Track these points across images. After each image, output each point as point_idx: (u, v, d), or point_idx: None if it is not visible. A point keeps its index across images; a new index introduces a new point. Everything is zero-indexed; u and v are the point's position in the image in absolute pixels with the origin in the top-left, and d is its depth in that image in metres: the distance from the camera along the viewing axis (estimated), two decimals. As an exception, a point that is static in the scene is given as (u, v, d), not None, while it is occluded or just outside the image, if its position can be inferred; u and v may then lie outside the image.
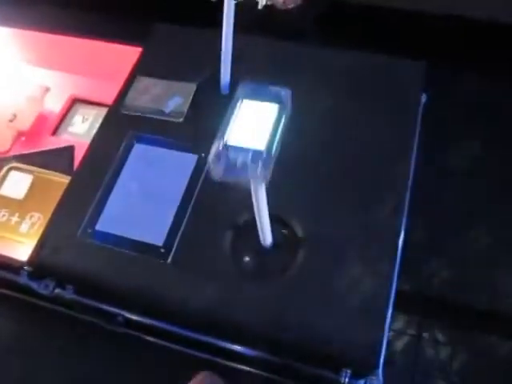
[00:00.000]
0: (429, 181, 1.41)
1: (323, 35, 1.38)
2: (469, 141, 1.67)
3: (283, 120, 0.63)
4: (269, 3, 0.91)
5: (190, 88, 1.09)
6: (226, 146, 0.61)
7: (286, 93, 0.64)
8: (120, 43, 1.35)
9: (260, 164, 0.59)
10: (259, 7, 0.89)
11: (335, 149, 0.99)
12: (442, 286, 1.34)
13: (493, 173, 1.59)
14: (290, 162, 0.83)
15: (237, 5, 0.94)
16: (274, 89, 0.65)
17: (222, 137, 0.61)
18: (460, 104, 1.77)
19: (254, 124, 0.63)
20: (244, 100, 0.65)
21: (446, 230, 1.45)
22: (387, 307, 0.83)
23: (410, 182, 0.97)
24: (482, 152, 1.68)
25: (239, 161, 0.59)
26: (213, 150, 0.61)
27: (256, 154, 0.60)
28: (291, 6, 1.15)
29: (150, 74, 1.13)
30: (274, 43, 1.18)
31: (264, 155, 0.60)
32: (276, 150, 0.61)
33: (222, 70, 1.04)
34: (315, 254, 0.87)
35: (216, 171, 0.61)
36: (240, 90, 0.65)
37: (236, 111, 0.64)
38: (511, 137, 1.69)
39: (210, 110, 1.06)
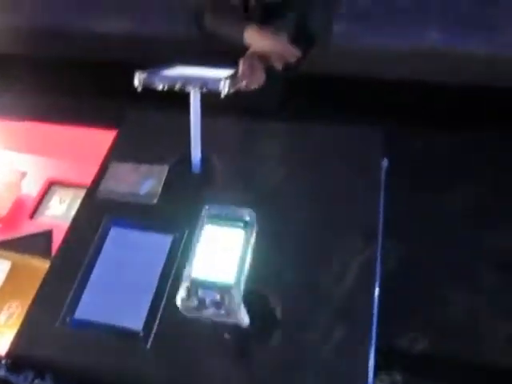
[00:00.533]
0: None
1: (288, 110, 1.48)
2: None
3: (250, 244, 0.65)
4: (231, 91, 0.98)
5: (163, 170, 1.15)
6: (195, 283, 0.62)
7: (250, 215, 0.66)
8: (95, 127, 1.41)
9: (229, 299, 0.60)
10: (222, 96, 0.96)
11: (305, 223, 1.04)
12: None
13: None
14: (263, 237, 0.87)
15: (202, 94, 1.01)
16: (239, 211, 0.66)
17: (191, 273, 0.63)
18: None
19: (221, 253, 0.64)
20: (209, 226, 0.66)
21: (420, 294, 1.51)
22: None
23: (378, 254, 1.03)
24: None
25: (208, 298, 0.60)
26: (182, 288, 0.62)
27: (225, 288, 0.61)
28: (254, 87, 1.23)
29: (123, 159, 1.19)
30: (240, 121, 1.26)
31: (233, 289, 0.61)
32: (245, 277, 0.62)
33: (192, 151, 1.10)
34: (292, 333, 0.90)
35: (187, 308, 0.62)
36: (204, 215, 0.66)
37: (202, 240, 0.66)
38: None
39: (182, 190, 1.11)
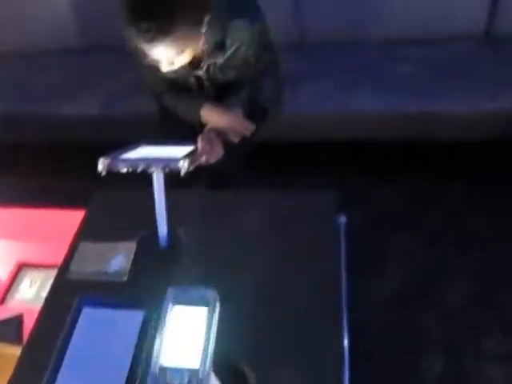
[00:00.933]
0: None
1: (248, 179, 1.57)
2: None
3: (215, 323, 0.68)
4: (191, 168, 1.05)
5: (131, 246, 1.19)
6: (162, 369, 0.65)
7: (213, 294, 0.70)
8: (63, 208, 1.46)
9: (198, 381, 0.64)
10: (182, 174, 1.03)
11: (267, 293, 1.08)
12: None
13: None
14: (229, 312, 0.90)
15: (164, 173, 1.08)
16: (201, 291, 0.70)
17: (157, 359, 0.66)
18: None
19: (186, 335, 0.68)
20: (173, 307, 0.70)
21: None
22: None
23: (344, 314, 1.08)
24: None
25: (177, 382, 0.64)
26: (150, 376, 0.65)
27: (192, 373, 0.64)
28: (213, 161, 1.32)
29: (92, 238, 1.23)
30: (204, 193, 1.33)
31: (200, 373, 0.64)
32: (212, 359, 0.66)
33: (159, 227, 1.15)
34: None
35: None
36: (168, 297, 0.70)
37: (167, 323, 0.69)
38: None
39: (150, 266, 1.16)
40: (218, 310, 0.69)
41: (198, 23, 1.17)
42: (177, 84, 1.44)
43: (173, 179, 1.07)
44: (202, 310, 0.69)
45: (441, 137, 2.00)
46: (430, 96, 1.93)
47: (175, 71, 1.27)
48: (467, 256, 1.85)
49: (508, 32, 2.13)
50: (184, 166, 1.02)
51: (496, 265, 1.82)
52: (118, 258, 1.16)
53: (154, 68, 1.24)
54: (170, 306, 0.69)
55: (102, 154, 1.07)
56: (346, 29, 2.20)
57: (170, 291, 0.70)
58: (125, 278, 1.13)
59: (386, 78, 2.01)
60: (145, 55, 1.17)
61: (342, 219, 1.38)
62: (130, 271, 1.15)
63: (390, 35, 2.18)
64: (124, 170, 1.04)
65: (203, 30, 1.19)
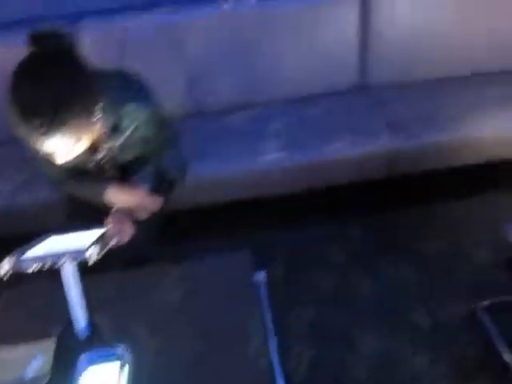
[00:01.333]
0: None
1: (162, 250, 1.59)
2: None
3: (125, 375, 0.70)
4: (103, 253, 1.05)
5: (50, 344, 1.13)
6: None
7: (124, 351, 0.72)
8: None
9: None
10: (90, 264, 1.02)
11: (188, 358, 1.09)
12: None
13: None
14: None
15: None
16: (113, 349, 0.72)
17: None
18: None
19: None
20: (87, 368, 0.70)
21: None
22: None
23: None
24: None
25: None
26: None
27: None
28: (125, 241, 1.32)
29: (6, 342, 1.16)
30: (119, 273, 1.32)
31: None
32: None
33: (75, 319, 1.12)
34: None
35: None
36: (81, 361, 0.70)
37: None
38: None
39: (72, 360, 1.11)
40: (129, 363, 0.69)
41: (91, 112, 1.19)
42: (76, 171, 1.43)
43: (86, 263, 1.05)
44: (114, 365, 0.69)
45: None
46: (314, 147, 2.12)
47: (73, 159, 1.28)
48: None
49: (379, 81, 2.43)
50: (93, 254, 1.02)
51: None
52: (37, 361, 1.11)
53: (50, 160, 1.23)
54: (83, 369, 0.69)
55: (9, 249, 1.04)
56: (238, 95, 2.37)
57: (84, 356, 0.70)
58: (46, 381, 1.07)
59: (284, 135, 2.17)
60: (39, 150, 1.16)
61: (260, 275, 1.42)
62: (52, 371, 1.09)
63: (279, 96, 2.38)
64: (30, 271, 1.02)
65: (97, 117, 1.21)
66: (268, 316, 1.29)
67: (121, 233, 1.29)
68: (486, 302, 1.88)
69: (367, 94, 2.42)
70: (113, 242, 1.21)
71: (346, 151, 2.11)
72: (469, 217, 2.27)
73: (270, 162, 2.07)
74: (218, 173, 2.07)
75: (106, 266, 1.34)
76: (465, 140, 2.13)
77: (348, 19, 2.28)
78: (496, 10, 2.30)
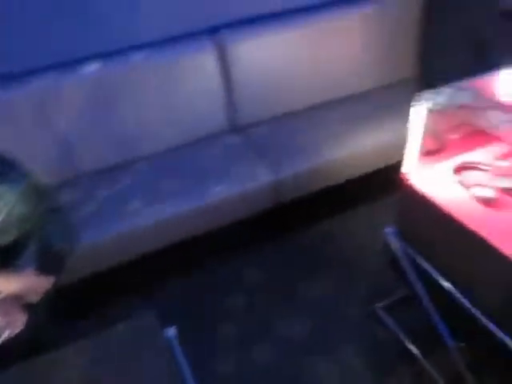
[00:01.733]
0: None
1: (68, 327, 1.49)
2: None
3: None
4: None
5: None
6: None
7: None
8: None
9: None
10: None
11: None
12: None
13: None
14: None
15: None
16: None
17: None
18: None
19: None
20: None
21: None
22: None
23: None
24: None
25: None
26: None
27: None
28: (18, 330, 1.23)
29: None
30: (17, 366, 1.21)
31: None
32: None
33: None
34: None
35: None
36: None
37: None
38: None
39: None
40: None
41: None
42: None
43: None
44: None
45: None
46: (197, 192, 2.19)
47: None
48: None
49: (247, 121, 2.59)
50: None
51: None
52: None
53: None
54: None
55: None
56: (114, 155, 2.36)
57: None
58: None
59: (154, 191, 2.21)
60: None
61: (171, 331, 1.40)
62: None
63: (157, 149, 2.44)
64: None
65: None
66: (186, 370, 1.27)
67: (11, 323, 1.19)
68: (380, 304, 2.13)
69: (238, 135, 2.56)
70: (5, 335, 1.12)
71: (227, 193, 2.19)
72: (354, 228, 2.51)
73: (145, 218, 2.09)
74: (99, 239, 2.02)
75: (2, 360, 1.23)
76: (324, 163, 2.35)
77: (209, 70, 2.41)
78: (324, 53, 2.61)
